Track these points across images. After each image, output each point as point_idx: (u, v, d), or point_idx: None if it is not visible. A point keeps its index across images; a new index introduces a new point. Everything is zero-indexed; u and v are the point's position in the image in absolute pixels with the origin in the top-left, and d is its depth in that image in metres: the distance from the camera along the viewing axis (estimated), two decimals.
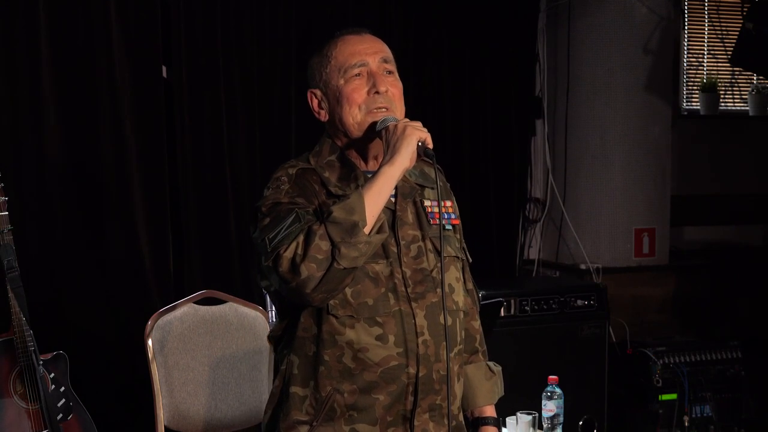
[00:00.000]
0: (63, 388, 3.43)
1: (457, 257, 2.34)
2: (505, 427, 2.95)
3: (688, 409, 4.70)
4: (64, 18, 4.10)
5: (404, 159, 2.13)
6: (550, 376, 2.98)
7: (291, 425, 2.19)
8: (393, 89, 2.28)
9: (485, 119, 5.13)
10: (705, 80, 5.72)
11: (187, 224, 4.38)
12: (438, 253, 2.25)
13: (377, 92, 2.24)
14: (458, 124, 5.05)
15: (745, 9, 5.19)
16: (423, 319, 2.18)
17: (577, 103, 5.16)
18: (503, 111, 5.17)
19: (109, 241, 4.20)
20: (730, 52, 5.12)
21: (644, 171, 5.11)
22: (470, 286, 2.44)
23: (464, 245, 2.41)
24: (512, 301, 4.41)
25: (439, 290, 2.21)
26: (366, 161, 2.28)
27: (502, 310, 4.26)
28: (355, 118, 2.24)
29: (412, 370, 2.16)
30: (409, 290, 2.19)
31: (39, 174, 4.09)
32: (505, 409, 3.19)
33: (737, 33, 4.92)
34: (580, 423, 3.19)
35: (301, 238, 2.05)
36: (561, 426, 2.94)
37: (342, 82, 2.24)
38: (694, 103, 5.75)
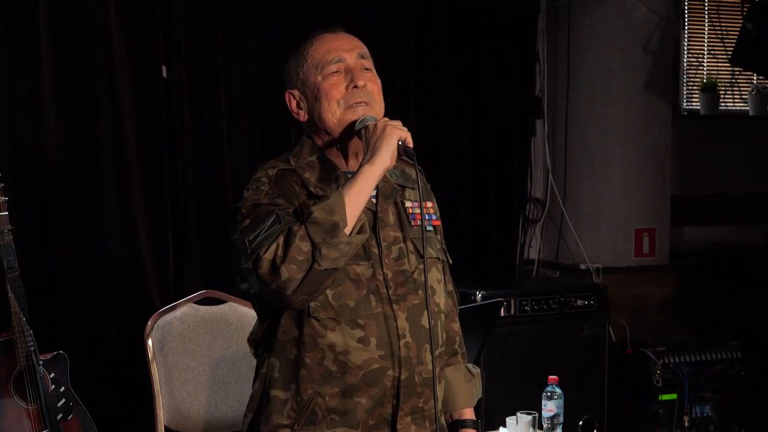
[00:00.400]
0: (63, 388, 3.43)
1: (438, 258, 2.33)
2: (504, 427, 2.95)
3: (688, 409, 4.70)
4: (64, 18, 4.10)
5: (385, 159, 2.11)
6: (550, 376, 2.98)
7: (272, 429, 2.18)
8: (371, 84, 2.25)
9: (485, 119, 5.13)
10: (705, 80, 5.72)
11: (187, 224, 4.38)
12: (419, 254, 2.23)
13: (355, 86, 2.21)
14: (458, 124, 5.05)
15: (745, 9, 5.19)
16: (405, 322, 2.17)
17: (577, 103, 5.16)
18: (503, 111, 5.17)
19: (109, 241, 4.20)
20: (730, 52, 5.12)
21: (644, 171, 5.11)
22: (450, 287, 2.41)
23: (444, 246, 2.39)
24: (512, 301, 4.41)
25: (420, 292, 2.19)
26: (346, 160, 2.26)
27: (502, 310, 4.25)
28: (335, 114, 2.21)
29: (394, 373, 2.15)
30: (390, 292, 2.17)
31: (39, 174, 4.09)
32: (505, 409, 3.20)
33: (737, 33, 4.92)
34: (580, 423, 3.18)
35: (281, 239, 2.02)
36: (561, 426, 2.93)
37: (320, 79, 2.22)
38: (694, 103, 5.75)
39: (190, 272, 4.38)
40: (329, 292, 2.12)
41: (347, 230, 2.04)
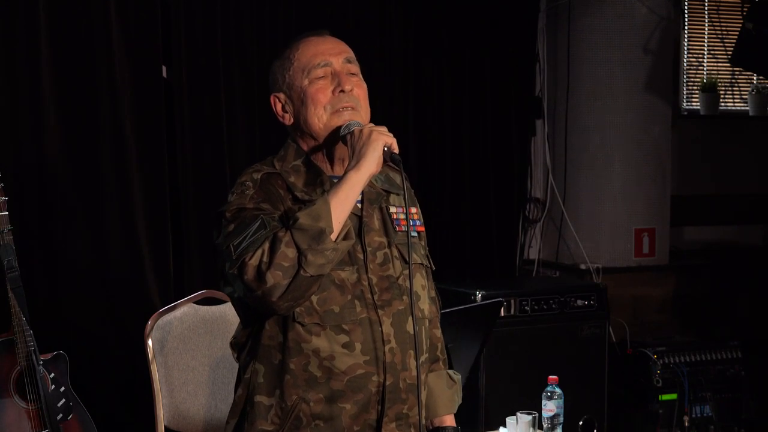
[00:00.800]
0: (63, 388, 3.43)
1: (422, 264, 2.31)
2: (504, 427, 2.95)
3: (688, 409, 4.70)
4: (64, 18, 4.10)
5: (370, 164, 2.10)
6: (550, 376, 2.97)
7: None
8: (358, 89, 2.24)
9: (485, 119, 5.13)
10: (705, 80, 5.71)
11: (187, 224, 4.38)
12: (404, 260, 2.22)
13: (342, 91, 2.21)
14: (458, 124, 5.05)
15: (745, 9, 5.19)
16: (389, 327, 2.16)
17: (577, 103, 5.16)
18: (503, 111, 5.17)
19: (109, 241, 4.20)
20: (730, 52, 5.12)
21: (644, 171, 5.11)
22: (433, 293, 2.40)
23: (428, 252, 2.38)
24: (512, 301, 4.41)
25: (405, 298, 2.19)
26: (332, 164, 2.25)
27: (502, 310, 4.25)
28: (321, 119, 2.21)
29: (379, 379, 2.14)
30: (375, 297, 2.16)
31: (39, 174, 4.09)
32: (505, 409, 3.19)
33: (737, 33, 4.92)
34: (580, 423, 3.18)
35: (266, 245, 2.01)
36: (561, 426, 2.93)
37: (306, 82, 2.22)
38: (694, 103, 5.75)
39: (190, 272, 4.38)
40: (314, 298, 2.11)
41: (333, 236, 2.04)
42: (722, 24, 5.72)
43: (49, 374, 3.40)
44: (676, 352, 4.76)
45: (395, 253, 2.24)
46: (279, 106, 2.29)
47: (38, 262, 4.06)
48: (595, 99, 5.09)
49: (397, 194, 2.31)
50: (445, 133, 5.00)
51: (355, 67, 2.27)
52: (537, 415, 2.89)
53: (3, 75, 4.01)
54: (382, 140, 2.12)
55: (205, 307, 3.28)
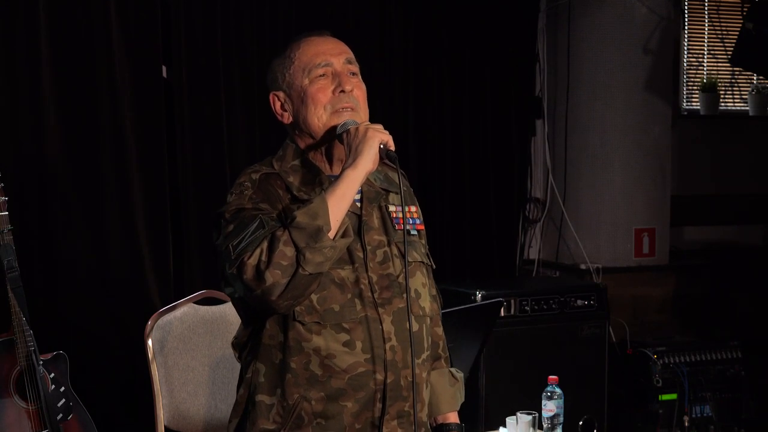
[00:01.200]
0: (63, 388, 3.43)
1: (423, 263, 2.32)
2: (504, 427, 2.95)
3: (688, 409, 4.70)
4: (64, 18, 4.10)
5: (367, 162, 2.11)
6: (550, 376, 2.98)
7: None
8: (358, 90, 2.25)
9: (485, 119, 5.13)
10: (705, 80, 5.72)
11: (187, 224, 4.38)
12: (403, 258, 2.22)
13: (342, 91, 2.21)
14: (458, 124, 5.05)
15: (745, 9, 5.19)
16: (390, 325, 2.17)
17: (577, 103, 5.16)
18: (503, 111, 5.17)
19: (109, 241, 4.20)
20: (730, 52, 5.12)
21: (644, 171, 5.11)
22: (434, 291, 2.40)
23: (428, 250, 2.39)
24: (512, 301, 4.41)
25: (405, 295, 2.19)
26: (331, 164, 2.26)
27: (502, 310, 4.25)
28: (321, 118, 2.22)
29: (380, 377, 2.15)
30: (375, 296, 2.17)
31: (39, 174, 4.09)
32: (505, 409, 3.20)
33: (737, 33, 4.92)
34: (580, 423, 3.18)
35: (265, 244, 2.02)
36: (561, 426, 2.93)
37: (306, 82, 2.22)
38: (694, 103, 5.75)
39: (190, 272, 4.38)
40: (314, 297, 2.12)
41: (331, 234, 2.05)
42: (722, 24, 5.72)
43: (49, 374, 3.40)
44: (676, 352, 4.76)
45: (395, 251, 2.24)
46: (278, 105, 2.29)
47: (38, 262, 4.06)
48: (595, 99, 5.09)
49: (397, 193, 2.32)
50: (445, 133, 5.00)
51: (356, 68, 2.28)
52: (537, 415, 2.89)
53: (3, 75, 4.01)
54: (378, 137, 2.13)
55: (205, 307, 3.28)
